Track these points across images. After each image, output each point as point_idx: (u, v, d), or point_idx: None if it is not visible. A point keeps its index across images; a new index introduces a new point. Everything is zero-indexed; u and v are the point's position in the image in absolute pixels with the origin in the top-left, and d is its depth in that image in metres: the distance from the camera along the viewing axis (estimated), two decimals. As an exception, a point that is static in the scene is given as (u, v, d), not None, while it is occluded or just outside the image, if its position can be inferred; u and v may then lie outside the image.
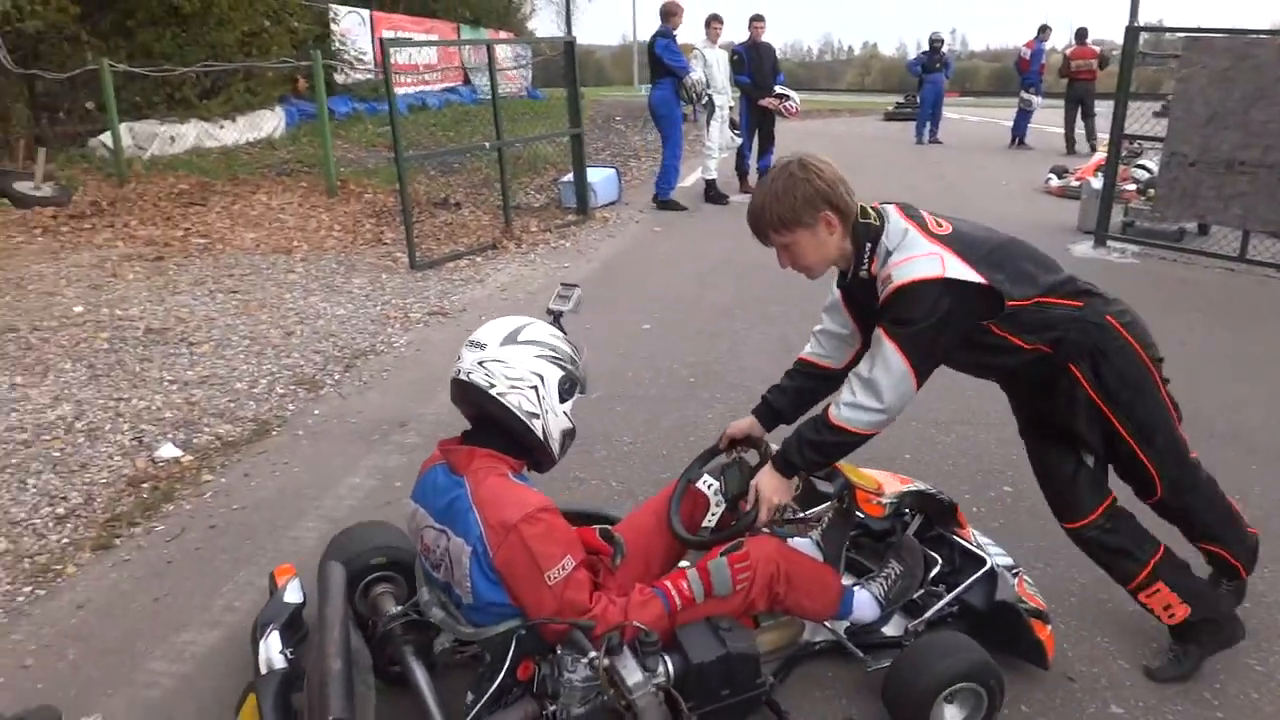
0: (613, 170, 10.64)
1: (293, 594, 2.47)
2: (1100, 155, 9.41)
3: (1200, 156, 6.85)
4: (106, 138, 10.65)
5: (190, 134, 12.03)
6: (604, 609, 2.15)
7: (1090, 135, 14.18)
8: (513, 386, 2.20)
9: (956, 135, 17.17)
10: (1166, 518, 2.62)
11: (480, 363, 2.21)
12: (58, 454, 4.07)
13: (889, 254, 2.25)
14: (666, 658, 2.12)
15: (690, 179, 10.13)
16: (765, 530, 2.54)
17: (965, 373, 2.56)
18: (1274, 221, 6.72)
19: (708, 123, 9.83)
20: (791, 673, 2.56)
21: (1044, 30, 15.31)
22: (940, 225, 2.30)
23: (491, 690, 2.16)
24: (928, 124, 16.20)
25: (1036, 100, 15.13)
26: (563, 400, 2.28)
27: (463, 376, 2.23)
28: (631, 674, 1.98)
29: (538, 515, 2.09)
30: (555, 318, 2.50)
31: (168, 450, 4.10)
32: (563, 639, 2.12)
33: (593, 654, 2.04)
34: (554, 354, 2.27)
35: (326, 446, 4.17)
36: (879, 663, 2.52)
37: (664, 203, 9.75)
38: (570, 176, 9.52)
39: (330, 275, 7.10)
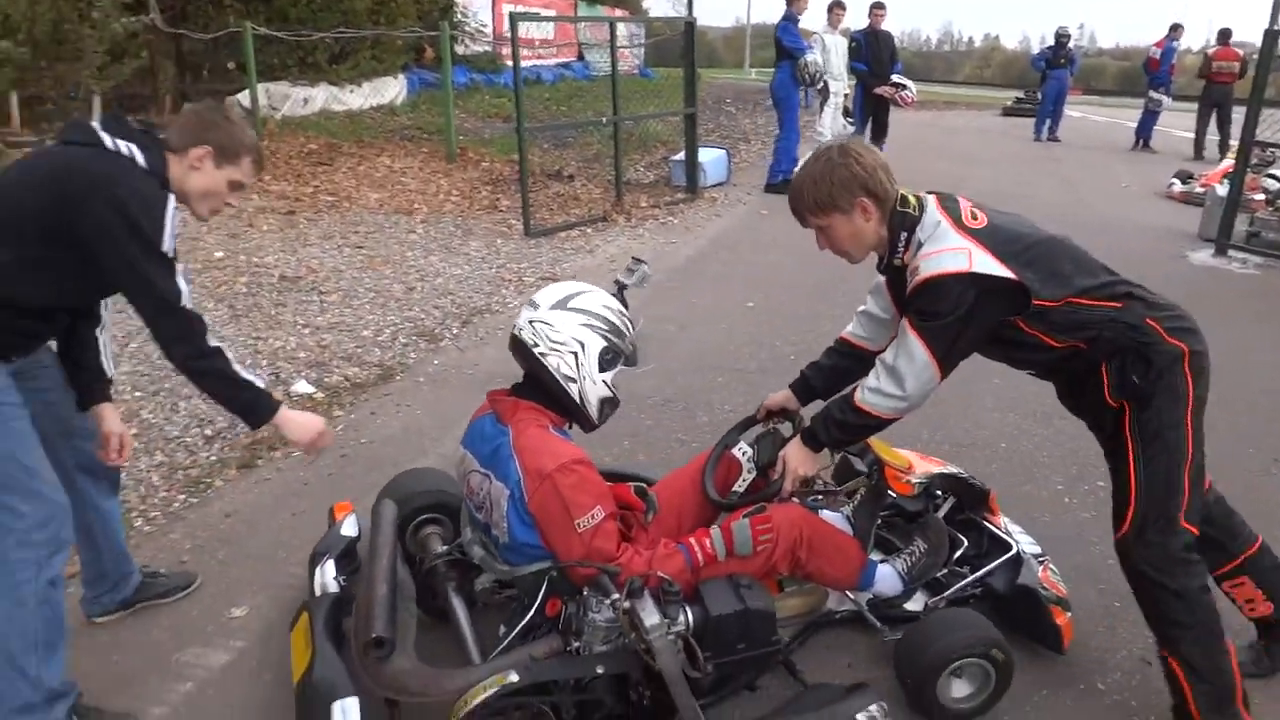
0: (723, 151, 10.75)
1: (349, 528, 2.71)
2: (1229, 162, 9.10)
3: (1335, 166, 6.61)
4: (244, 97, 11.25)
5: (319, 97, 12.59)
6: (629, 558, 2.27)
7: (1224, 141, 13.61)
8: (554, 349, 2.33)
9: (1078, 134, 16.69)
10: (1127, 577, 2.35)
11: (530, 321, 2.35)
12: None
13: (920, 245, 2.25)
14: (687, 608, 2.23)
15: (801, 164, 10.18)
16: (795, 500, 2.66)
17: (1002, 363, 2.52)
18: None
19: (821, 108, 9.85)
20: (811, 638, 2.69)
21: (1175, 29, 14.73)
22: (975, 218, 2.26)
23: (522, 625, 2.33)
24: (1047, 121, 15.77)
25: (1166, 100, 14.58)
26: (603, 370, 2.37)
27: (515, 331, 2.38)
28: (650, 617, 2.08)
29: (572, 466, 2.22)
30: (619, 289, 2.58)
31: (302, 387, 4.44)
32: (589, 582, 2.25)
33: (615, 596, 2.17)
34: (600, 324, 2.37)
35: (446, 393, 4.46)
36: (896, 635, 2.61)
37: (772, 186, 9.82)
38: (681, 155, 9.68)
39: (448, 237, 7.43)
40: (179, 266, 2.17)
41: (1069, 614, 2.64)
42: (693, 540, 2.39)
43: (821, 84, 9.55)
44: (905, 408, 2.31)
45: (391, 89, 14.03)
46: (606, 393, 2.40)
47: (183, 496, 3.48)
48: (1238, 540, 2.54)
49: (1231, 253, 7.68)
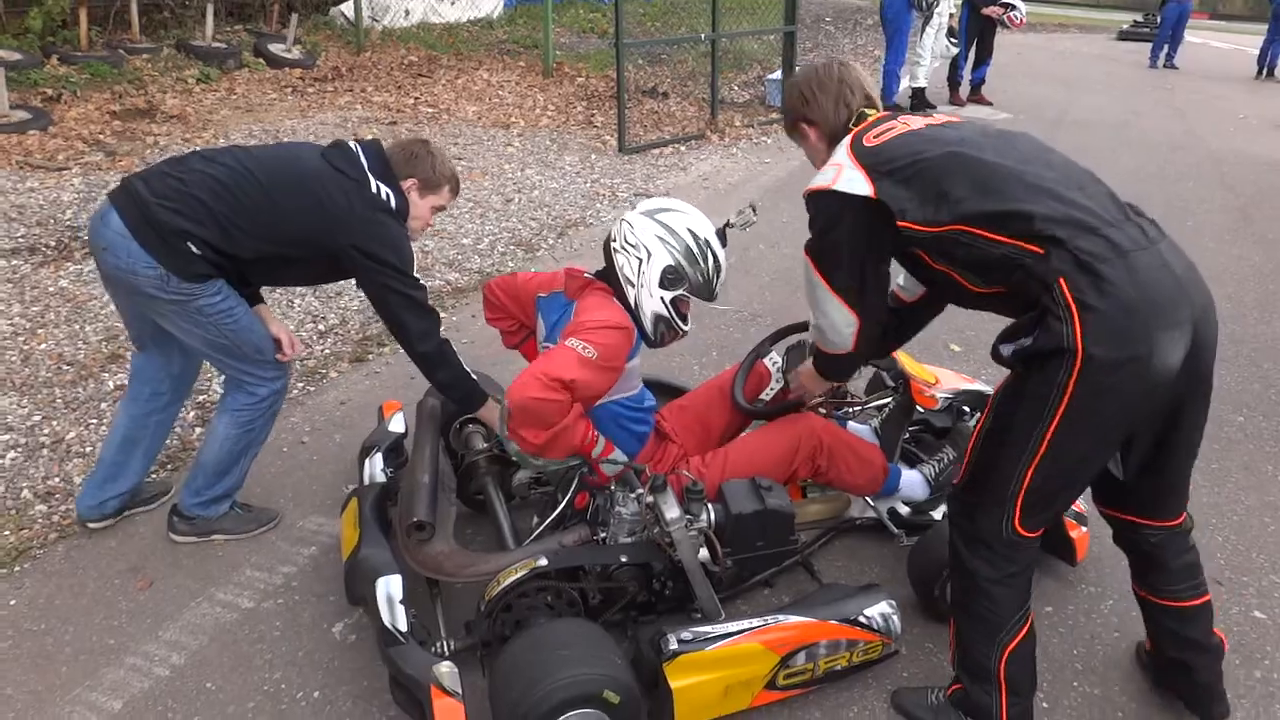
0: (820, 71, 10.51)
1: (396, 424, 2.92)
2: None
3: None
4: (346, 7, 11.46)
5: (419, 8, 12.71)
6: (574, 412, 2.27)
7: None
8: (625, 248, 2.45)
9: (1197, 62, 15.79)
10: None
11: (623, 220, 2.48)
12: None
13: None
14: (709, 506, 2.36)
15: (902, 84, 9.97)
16: (821, 412, 2.78)
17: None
18: None
19: (923, 29, 9.57)
20: (833, 543, 2.83)
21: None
22: (879, 137, 2.08)
23: (554, 516, 2.51)
24: (1165, 47, 14.91)
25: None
26: (663, 286, 2.45)
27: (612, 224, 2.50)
28: (671, 510, 2.22)
29: (608, 324, 2.29)
30: (723, 227, 2.64)
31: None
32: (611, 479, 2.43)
33: (640, 491, 2.33)
34: (675, 244, 2.45)
35: (541, 301, 4.65)
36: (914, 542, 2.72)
37: (888, 107, 9.61)
38: (778, 74, 9.55)
39: (544, 151, 7.56)
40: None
41: (1084, 528, 2.70)
42: (595, 434, 2.45)
43: (928, 5, 9.26)
44: (834, 336, 2.22)
45: (489, 1, 14.05)
46: (662, 310, 2.47)
47: (301, 384, 3.76)
48: (1176, 589, 2.20)
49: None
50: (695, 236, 2.46)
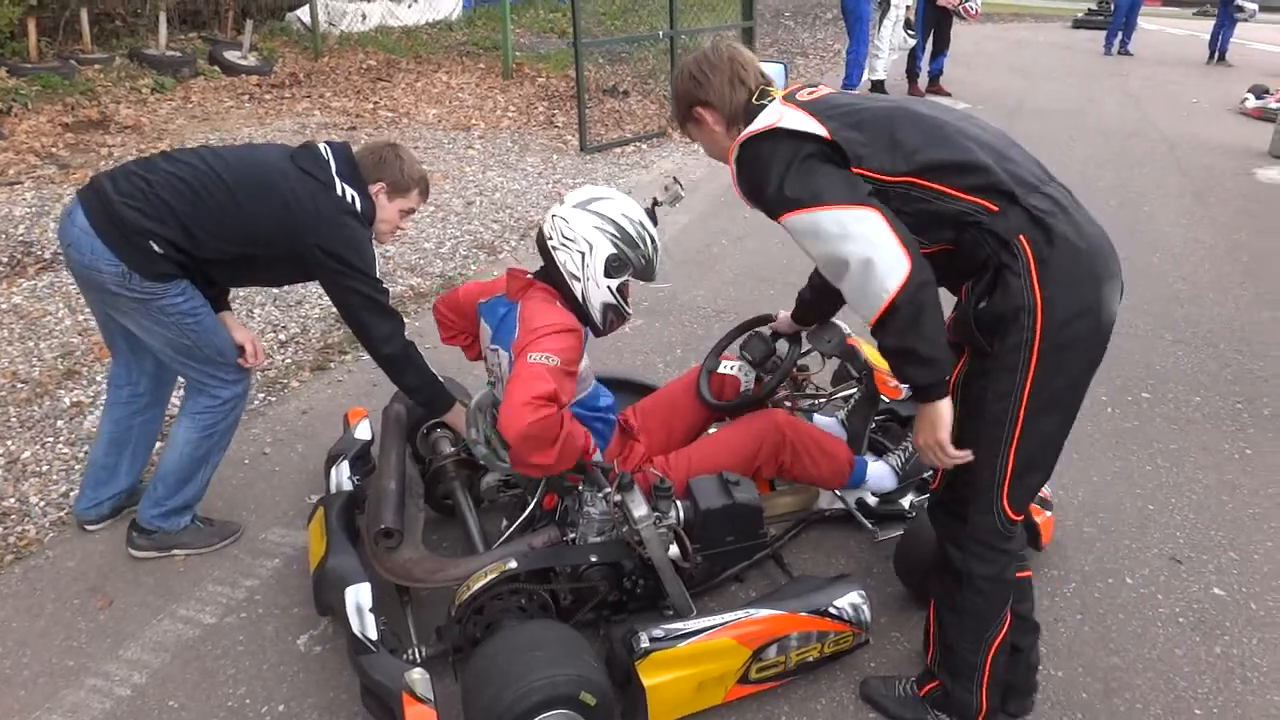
0: (780, 65, 10.50)
1: (362, 431, 2.90)
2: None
3: None
4: (303, 13, 11.33)
5: (376, 12, 12.61)
6: (563, 421, 2.16)
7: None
8: (565, 244, 2.40)
9: (1151, 48, 16.03)
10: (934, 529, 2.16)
11: (553, 215, 2.44)
12: (276, 290, 4.66)
13: None
14: (678, 503, 2.36)
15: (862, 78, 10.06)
16: (786, 406, 2.79)
17: None
18: None
19: (880, 21, 9.63)
20: (802, 535, 2.85)
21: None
22: (815, 93, 2.00)
23: (522, 518, 2.49)
24: (1119, 34, 15.14)
25: (1251, 6, 13.88)
26: (608, 275, 2.40)
27: (540, 224, 2.48)
28: (639, 508, 2.21)
29: (558, 328, 2.26)
30: (653, 205, 2.62)
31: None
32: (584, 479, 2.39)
33: (608, 490, 2.32)
34: (614, 230, 2.41)
35: (504, 303, 4.63)
36: (886, 533, 2.76)
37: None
38: (737, 70, 9.55)
39: (505, 153, 7.52)
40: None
41: (1049, 512, 2.75)
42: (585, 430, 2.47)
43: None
44: (877, 278, 1.75)
45: (447, 4, 13.97)
46: (610, 299, 2.44)
47: (262, 395, 3.71)
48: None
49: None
50: (631, 220, 2.44)
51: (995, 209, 1.79)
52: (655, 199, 2.64)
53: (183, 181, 2.41)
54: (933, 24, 10.15)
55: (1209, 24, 15.19)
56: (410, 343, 2.63)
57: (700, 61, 2.12)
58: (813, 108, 1.91)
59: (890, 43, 9.75)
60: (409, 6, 13.07)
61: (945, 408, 1.86)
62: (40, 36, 8.82)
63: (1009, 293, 1.78)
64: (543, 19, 14.43)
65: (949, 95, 10.38)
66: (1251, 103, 10.25)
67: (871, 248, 1.74)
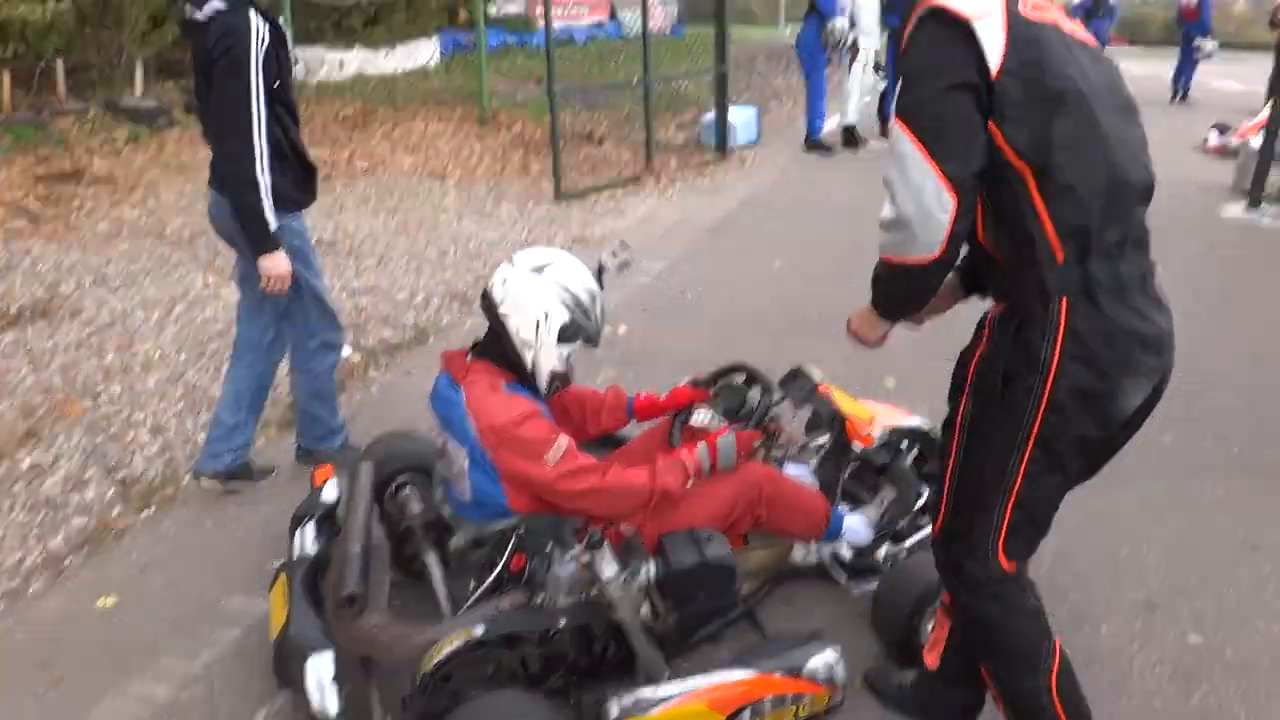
0: (754, 111, 10.70)
1: (329, 492, 2.81)
2: (1266, 113, 8.92)
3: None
4: (280, 63, 11.36)
5: (354, 61, 12.69)
6: (616, 473, 2.32)
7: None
8: (517, 310, 2.36)
9: (1118, 86, 16.30)
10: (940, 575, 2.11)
11: (504, 280, 2.40)
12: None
13: None
14: (649, 561, 2.32)
15: (832, 121, 10.17)
16: (759, 457, 2.76)
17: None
18: None
19: (849, 65, 9.75)
20: (776, 590, 2.79)
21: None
22: (1039, 14, 1.70)
23: (490, 580, 2.43)
24: (1087, 73, 15.42)
25: (1210, 45, 14.20)
26: (561, 342, 2.38)
27: (488, 286, 2.43)
28: (608, 569, 2.18)
29: (523, 418, 2.27)
30: (599, 271, 2.60)
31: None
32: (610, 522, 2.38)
33: (576, 549, 2.28)
34: (569, 298, 2.38)
35: (477, 354, 4.60)
36: (860, 586, 2.71)
37: (813, 144, 9.81)
38: (711, 115, 9.67)
39: (481, 201, 7.54)
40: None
41: None
42: (682, 454, 2.46)
43: (851, 40, 9.44)
44: (910, 233, 1.68)
45: (425, 52, 14.08)
46: (559, 366, 2.42)
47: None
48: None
49: (1265, 206, 7.55)
50: (584, 286, 2.42)
51: (1061, 260, 1.69)
52: (602, 264, 2.62)
53: None
54: (903, 67, 10.26)
55: (1171, 63, 15.48)
56: (256, 182, 2.84)
57: None
58: (1022, 32, 1.64)
59: (861, 85, 9.87)
60: (386, 55, 13.16)
61: (885, 322, 1.98)
62: (14, 87, 8.82)
63: (1029, 352, 1.73)
64: (520, 66, 14.57)
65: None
66: (1214, 140, 10.41)
67: (923, 216, 1.65)
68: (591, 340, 2.47)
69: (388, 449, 2.92)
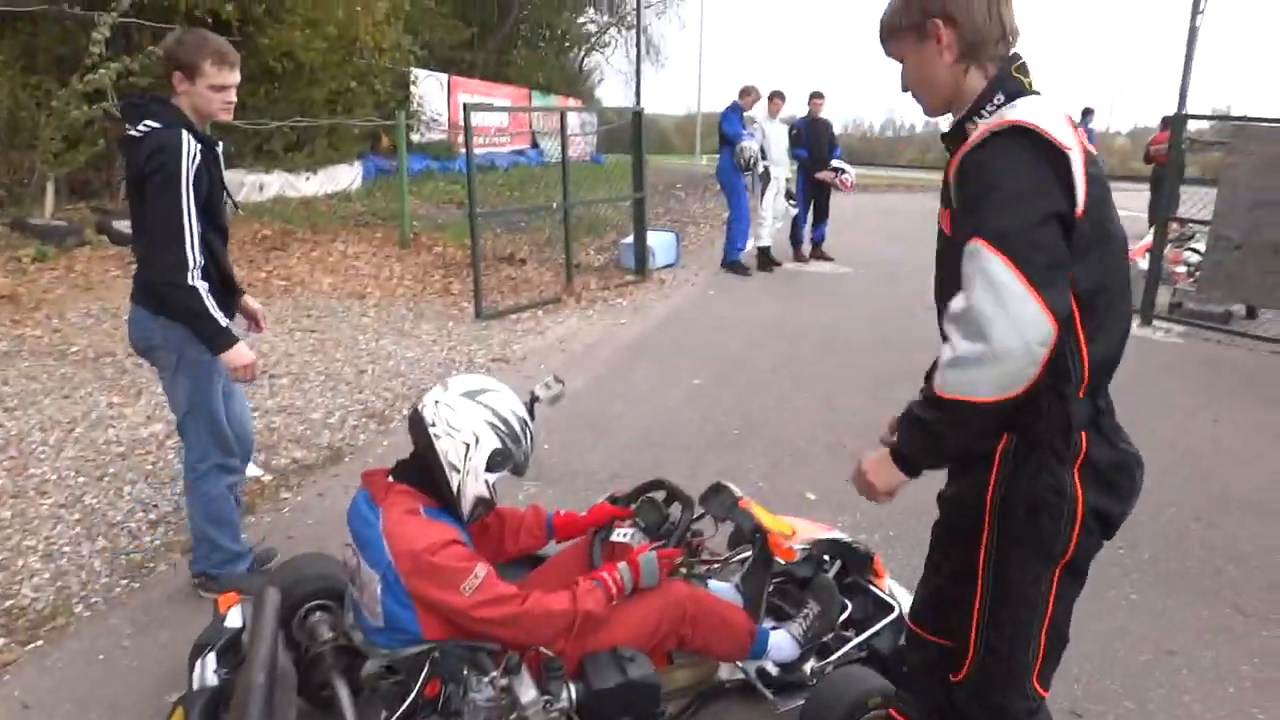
0: (672, 234, 11.05)
1: (233, 619, 2.64)
2: (1149, 239, 9.58)
3: (1245, 240, 7.02)
4: (198, 184, 11.33)
5: (274, 183, 12.73)
6: (537, 599, 2.26)
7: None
8: (448, 433, 2.34)
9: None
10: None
11: (436, 402, 2.39)
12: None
13: (1005, 112, 1.69)
14: (570, 684, 2.27)
15: (746, 246, 10.57)
16: (681, 574, 2.73)
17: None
18: (1320, 308, 6.78)
19: (761, 193, 10.20)
20: (702, 709, 2.74)
21: (1088, 113, 15.58)
22: (1084, 144, 1.69)
23: (403, 709, 2.33)
24: (983, 202, 16.41)
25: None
26: (489, 470, 2.36)
27: (418, 407, 2.42)
28: (527, 693, 2.13)
29: (441, 546, 2.23)
30: (531, 402, 2.62)
31: (250, 469, 4.44)
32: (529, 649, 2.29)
33: (493, 674, 2.22)
34: (501, 426, 2.38)
35: (394, 473, 4.50)
36: (787, 702, 2.69)
37: (730, 265, 10.16)
38: (631, 239, 9.94)
39: (400, 321, 7.52)
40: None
41: None
42: (604, 574, 2.42)
43: (762, 169, 9.90)
44: (1004, 369, 1.58)
45: (347, 176, 14.24)
46: (485, 492, 2.40)
47: (125, 581, 3.46)
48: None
49: (1156, 323, 8.04)
50: (517, 416, 2.42)
51: (1081, 393, 1.72)
52: (535, 395, 2.64)
53: None
54: (812, 195, 10.79)
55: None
56: (194, 288, 2.85)
57: None
58: (1091, 165, 1.65)
59: (774, 211, 10.31)
60: (307, 179, 13.26)
61: (903, 477, 1.81)
62: (-82, 208, 8.59)
63: (1056, 480, 1.74)
64: (442, 190, 14.84)
65: (832, 260, 10.96)
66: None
67: (1024, 349, 1.56)
68: (519, 470, 2.46)
69: (297, 572, 2.80)
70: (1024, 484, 1.76)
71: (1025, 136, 1.60)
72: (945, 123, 1.87)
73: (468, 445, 2.33)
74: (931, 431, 1.71)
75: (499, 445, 2.36)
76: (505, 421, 2.38)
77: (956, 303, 1.62)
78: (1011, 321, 1.54)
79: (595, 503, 2.90)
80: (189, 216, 2.84)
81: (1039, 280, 1.54)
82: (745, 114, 9.97)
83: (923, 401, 1.74)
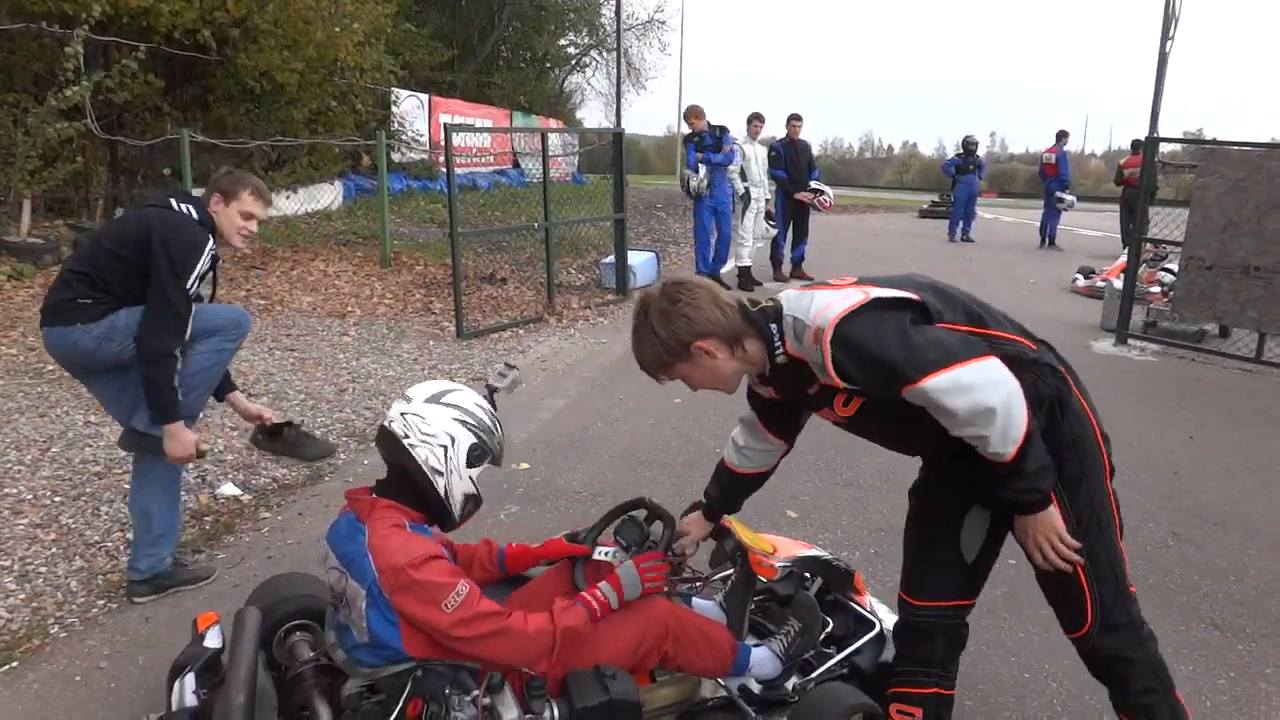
0: (652, 254, 11.09)
1: (212, 639, 2.61)
2: (1124, 259, 9.72)
3: (1217, 261, 7.14)
4: (177, 202, 11.28)
5: (255, 203, 12.69)
6: (520, 618, 2.27)
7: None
8: (424, 441, 2.36)
9: (989, 234, 17.56)
10: (1093, 668, 2.32)
11: (402, 414, 2.40)
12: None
13: (797, 321, 2.06)
14: (552, 703, 2.27)
15: (727, 265, 10.63)
16: (663, 591, 2.70)
17: (901, 440, 2.37)
18: (1290, 327, 6.90)
19: (742, 214, 10.28)
20: None
21: (1062, 136, 15.87)
22: (843, 279, 2.16)
23: None
24: (960, 223, 16.63)
25: (1069, 198, 15.55)
26: (470, 465, 2.38)
27: (385, 423, 2.42)
28: (509, 712, 2.13)
29: (424, 561, 2.22)
30: (490, 393, 2.64)
31: (228, 489, 4.42)
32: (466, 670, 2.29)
33: (475, 693, 2.22)
34: (471, 421, 2.41)
35: (375, 492, 4.48)
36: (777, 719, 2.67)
37: (709, 277, 10.27)
38: (611, 258, 9.97)
39: (381, 339, 7.50)
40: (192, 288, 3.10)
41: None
42: (585, 594, 2.43)
43: (743, 190, 9.99)
44: (1013, 404, 1.93)
45: (327, 195, 14.22)
46: (471, 489, 2.42)
47: (102, 602, 3.43)
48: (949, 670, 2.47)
49: (1131, 342, 8.15)
50: (482, 408, 2.45)
51: (1035, 347, 2.15)
52: (492, 386, 2.66)
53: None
54: (791, 215, 10.89)
55: (1037, 213, 16.84)
56: (175, 357, 3.06)
57: (674, 300, 2.13)
58: (871, 280, 2.10)
59: (754, 232, 10.39)
60: (288, 198, 13.22)
61: (1054, 507, 2.08)
62: (-109, 226, 8.50)
63: (1078, 415, 2.12)
64: (423, 209, 14.84)
65: (811, 279, 11.02)
66: (1081, 282, 11.23)
67: (1008, 390, 1.93)
68: (496, 460, 2.48)
69: (277, 592, 2.79)
70: (1066, 425, 2.11)
71: (851, 320, 1.97)
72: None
73: (445, 447, 2.35)
74: (1032, 473, 2.00)
75: (475, 440, 2.39)
76: (474, 416, 2.41)
77: (959, 425, 1.95)
78: (988, 381, 1.92)
79: (582, 523, 2.89)
80: (188, 301, 3.09)
81: (964, 355, 1.92)
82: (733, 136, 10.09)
83: (1007, 475, 2.00)
